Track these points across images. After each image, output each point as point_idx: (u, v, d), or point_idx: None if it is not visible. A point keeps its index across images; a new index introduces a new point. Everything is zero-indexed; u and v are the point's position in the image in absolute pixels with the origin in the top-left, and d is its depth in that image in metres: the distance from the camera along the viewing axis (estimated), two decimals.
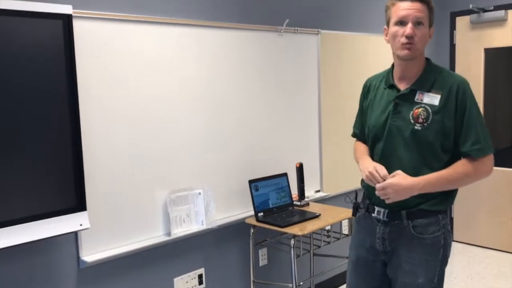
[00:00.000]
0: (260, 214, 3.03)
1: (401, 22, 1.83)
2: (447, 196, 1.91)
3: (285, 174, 3.26)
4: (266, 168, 3.27)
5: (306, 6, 3.48)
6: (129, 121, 2.58)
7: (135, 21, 2.57)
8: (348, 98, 3.75)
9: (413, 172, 1.84)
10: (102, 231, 2.49)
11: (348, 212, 3.06)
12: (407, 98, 1.89)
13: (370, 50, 3.99)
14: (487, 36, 4.46)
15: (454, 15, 4.66)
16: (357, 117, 2.22)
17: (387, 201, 1.83)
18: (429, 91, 1.84)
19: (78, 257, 2.44)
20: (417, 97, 1.86)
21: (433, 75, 1.87)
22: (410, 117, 1.85)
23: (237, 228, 3.12)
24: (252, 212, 3.04)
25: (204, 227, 2.87)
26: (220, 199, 3.01)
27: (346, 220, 3.46)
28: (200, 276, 2.98)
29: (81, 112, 2.31)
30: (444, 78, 1.86)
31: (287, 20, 3.27)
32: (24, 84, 2.06)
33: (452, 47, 4.71)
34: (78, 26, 2.33)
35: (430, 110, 1.82)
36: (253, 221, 3.01)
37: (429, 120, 1.82)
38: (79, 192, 2.24)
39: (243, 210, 3.14)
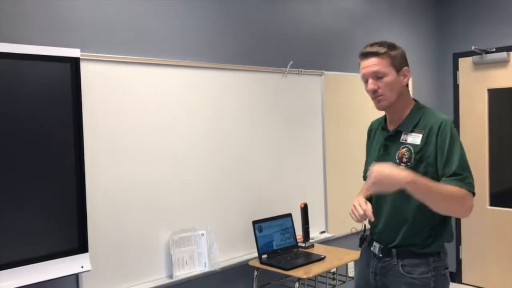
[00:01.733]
0: (264, 256, 2.98)
1: (365, 79, 1.93)
2: (438, 238, 1.90)
3: (289, 215, 3.22)
4: (270, 208, 3.24)
5: (309, 48, 3.53)
6: (133, 162, 2.58)
7: (141, 63, 2.62)
8: (353, 137, 3.75)
9: (403, 211, 1.89)
10: (104, 273, 2.45)
11: (354, 254, 3.01)
12: (394, 139, 1.94)
13: None
14: (490, 77, 4.49)
15: (456, 57, 4.71)
16: (365, 160, 2.22)
17: (368, 190, 1.82)
18: (412, 131, 1.89)
19: None
20: (402, 137, 1.91)
21: (417, 115, 1.91)
22: (396, 157, 1.90)
23: (240, 270, 3.07)
24: (256, 254, 2.99)
25: (207, 269, 2.82)
26: (224, 240, 2.97)
27: (352, 263, 3.40)
28: None
29: (86, 154, 2.32)
30: (426, 118, 1.89)
31: (291, 62, 3.32)
32: (32, 126, 2.09)
33: (456, 87, 4.74)
34: (86, 68, 2.37)
35: (412, 150, 1.86)
36: (256, 263, 2.95)
37: (412, 160, 1.86)
38: (81, 233, 2.22)
39: (247, 252, 3.09)
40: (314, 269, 2.84)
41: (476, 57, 4.52)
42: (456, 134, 1.85)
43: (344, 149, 3.73)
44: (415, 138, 1.86)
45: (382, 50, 1.86)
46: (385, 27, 4.21)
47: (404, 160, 1.87)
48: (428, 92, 4.73)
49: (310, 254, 3.07)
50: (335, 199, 3.67)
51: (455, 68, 4.74)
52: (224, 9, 3.01)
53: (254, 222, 3.01)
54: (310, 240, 3.31)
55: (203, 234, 2.85)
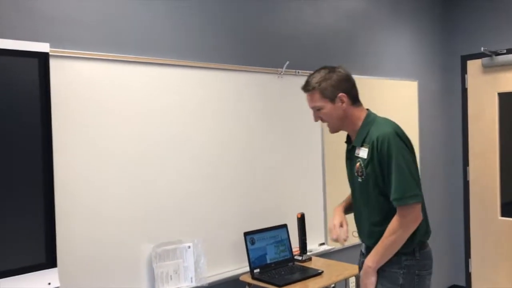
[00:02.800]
0: (256, 270, 2.76)
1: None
2: (410, 238, 1.94)
3: (284, 226, 3.00)
4: (263, 218, 3.02)
5: (308, 48, 3.33)
6: (111, 167, 2.37)
7: (128, 61, 2.42)
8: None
9: (370, 218, 2.03)
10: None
11: (355, 268, 2.78)
12: (352, 153, 2.06)
13: (376, 95, 3.80)
14: (501, 80, 4.26)
15: (465, 59, 4.48)
16: None
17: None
18: (362, 145, 1.99)
19: None
20: (356, 151, 2.01)
21: (365, 130, 1.99)
22: (354, 171, 2.03)
23: (230, 286, 2.84)
24: (248, 268, 2.77)
25: (193, 284, 2.60)
26: (212, 253, 2.75)
27: (353, 278, 3.16)
28: None
29: (56, 158, 2.12)
30: (371, 131, 1.97)
31: (288, 62, 3.12)
32: None
33: (464, 91, 4.51)
34: (57, 66, 2.17)
35: (362, 164, 1.97)
36: (248, 279, 2.73)
37: (364, 173, 1.98)
38: (49, 246, 2.02)
39: (238, 266, 2.87)
40: (311, 286, 2.62)
41: (485, 59, 4.29)
42: (397, 145, 1.89)
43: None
44: (364, 152, 1.96)
45: (309, 86, 1.99)
46: (388, 27, 4.00)
47: (359, 173, 2.00)
48: (435, 96, 4.50)
49: (307, 268, 2.85)
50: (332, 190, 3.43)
51: (463, 71, 4.51)
52: (217, 7, 2.81)
53: (246, 234, 2.79)
54: (308, 253, 3.08)
55: (189, 247, 2.63)
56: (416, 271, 1.98)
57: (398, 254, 1.95)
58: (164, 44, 2.60)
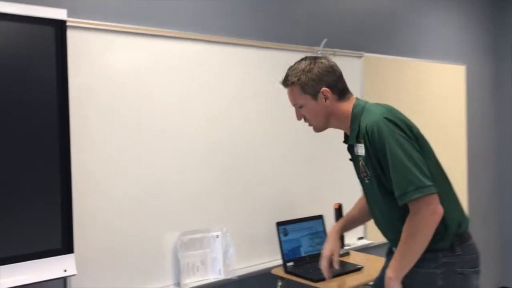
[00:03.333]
0: (290, 264, 2.55)
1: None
2: (442, 231, 1.64)
3: (320, 217, 2.78)
4: (298, 208, 2.80)
5: (348, 26, 3.08)
6: (133, 148, 2.21)
7: (147, 34, 2.25)
8: None
9: (389, 222, 1.74)
10: (96, 279, 2.09)
11: None
12: (352, 153, 1.79)
13: (421, 78, 3.52)
14: None
15: None
16: None
17: None
18: (358, 141, 1.71)
19: None
20: (355, 150, 1.74)
21: (357, 122, 1.71)
22: (360, 172, 1.77)
23: (261, 280, 2.64)
24: (280, 261, 2.56)
25: (221, 277, 2.41)
26: (242, 244, 2.55)
27: None
28: None
29: (73, 135, 1.96)
30: (362, 122, 1.69)
31: (325, 40, 2.88)
32: (6, 105, 1.75)
33: None
34: (73, 37, 2.02)
35: (363, 163, 1.71)
36: (281, 272, 2.52)
37: (368, 172, 1.70)
38: (66, 230, 1.86)
39: (269, 259, 2.66)
40: (349, 282, 2.39)
41: None
42: (387, 133, 1.59)
43: None
44: (361, 149, 1.69)
45: (288, 81, 1.75)
46: (434, 6, 3.70)
47: (364, 174, 1.73)
48: (485, 82, 4.16)
49: (345, 263, 2.61)
50: None
51: None
52: None
53: (279, 224, 2.58)
54: (346, 247, 2.85)
55: (217, 236, 2.45)
56: (459, 269, 1.65)
57: (433, 251, 1.64)
58: (195, 20, 2.41)
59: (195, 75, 2.40)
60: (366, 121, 1.64)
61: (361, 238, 3.15)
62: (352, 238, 3.07)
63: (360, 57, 3.13)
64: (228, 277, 2.42)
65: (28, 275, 1.75)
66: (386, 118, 1.61)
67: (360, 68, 3.13)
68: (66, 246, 1.86)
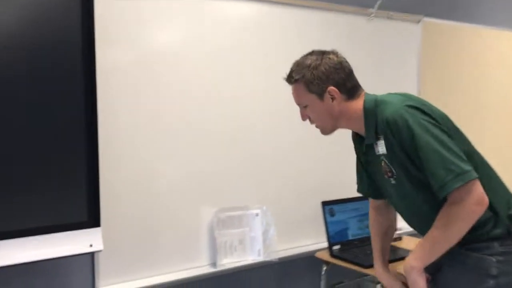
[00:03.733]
0: (336, 247, 2.33)
1: None
2: (493, 217, 1.44)
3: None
4: (346, 188, 2.54)
5: None
6: (168, 115, 2.03)
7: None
8: (457, 106, 2.93)
9: (425, 214, 1.49)
10: (125, 257, 1.94)
11: None
12: (371, 154, 1.56)
13: (489, 47, 3.16)
14: None
15: None
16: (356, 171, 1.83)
17: None
18: (377, 139, 1.50)
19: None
20: (375, 149, 1.53)
21: (373, 118, 1.50)
22: (383, 173, 1.54)
23: (304, 263, 2.44)
24: (326, 244, 2.34)
25: (261, 258, 2.23)
26: (284, 224, 2.35)
27: None
28: None
29: (100, 102, 1.80)
30: (379, 116, 1.48)
31: (379, 1, 2.58)
32: (30, 69, 1.61)
33: None
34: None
35: (387, 161, 1.50)
36: (326, 256, 2.31)
37: (394, 171, 1.49)
38: (92, 202, 1.71)
39: (314, 241, 2.44)
40: (402, 268, 2.13)
41: None
42: (413, 123, 1.39)
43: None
44: (382, 147, 1.50)
45: (292, 77, 1.56)
46: None
47: (389, 174, 1.52)
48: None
49: (396, 248, 2.37)
50: None
51: None
52: None
53: (324, 204, 2.35)
54: (398, 231, 2.58)
55: (257, 215, 2.25)
56: None
57: (488, 240, 1.45)
58: None
59: (236, 37, 2.19)
60: (385, 113, 1.44)
61: None
62: (404, 222, 2.80)
63: (419, 21, 2.81)
64: (268, 259, 2.23)
65: (50, 249, 1.61)
66: (408, 105, 1.42)
67: (418, 36, 2.82)
68: (92, 219, 1.72)
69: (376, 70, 2.65)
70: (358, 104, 1.53)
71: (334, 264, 2.29)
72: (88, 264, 1.89)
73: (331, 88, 1.50)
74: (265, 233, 2.24)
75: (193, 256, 2.11)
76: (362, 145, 1.58)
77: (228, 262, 2.17)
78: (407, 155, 1.42)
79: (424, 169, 1.39)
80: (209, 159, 2.14)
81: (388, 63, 2.70)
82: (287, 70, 1.57)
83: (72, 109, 1.68)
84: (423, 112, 1.41)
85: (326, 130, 1.59)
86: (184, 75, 2.06)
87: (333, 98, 1.51)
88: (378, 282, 2.12)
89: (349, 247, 2.36)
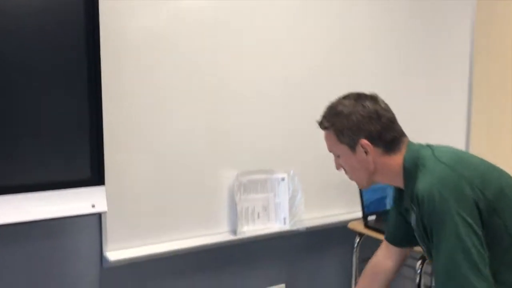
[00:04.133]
0: (372, 217, 2.10)
1: None
2: None
3: None
4: None
5: None
6: (187, 70, 1.80)
7: None
8: None
9: None
10: (138, 219, 1.76)
11: None
12: (409, 217, 1.37)
13: None
14: None
15: None
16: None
17: None
18: (412, 207, 1.31)
19: (101, 253, 1.73)
20: (411, 217, 1.34)
21: (411, 182, 1.28)
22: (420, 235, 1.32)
23: (335, 234, 2.21)
24: (360, 214, 2.10)
25: (286, 227, 2.01)
26: (313, 190, 2.12)
27: None
28: None
29: (107, 52, 1.59)
30: (417, 183, 1.25)
31: None
32: (28, 14, 1.40)
33: None
34: None
35: (416, 234, 1.34)
36: (359, 227, 2.08)
37: (425, 239, 1.26)
38: (95, 157, 1.52)
39: (346, 210, 2.21)
40: None
41: None
42: (438, 212, 1.16)
43: (503, 91, 2.57)
44: (413, 219, 1.33)
45: (325, 123, 1.38)
46: None
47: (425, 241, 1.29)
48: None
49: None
50: (482, 149, 2.58)
51: None
52: None
53: None
54: None
55: (283, 179, 2.03)
56: None
57: None
58: None
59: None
60: (418, 184, 1.23)
61: None
62: None
63: None
64: (294, 228, 2.01)
65: (47, 208, 1.44)
66: (444, 185, 1.18)
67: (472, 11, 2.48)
68: (95, 177, 1.52)
69: (421, 30, 2.36)
70: (397, 160, 1.31)
71: (368, 236, 2.05)
72: (95, 226, 1.72)
73: (364, 141, 1.30)
74: (291, 199, 2.02)
75: (211, 222, 1.91)
76: (402, 200, 1.38)
77: (250, 230, 1.97)
78: (428, 238, 1.23)
79: (434, 264, 1.20)
80: (231, 117, 1.91)
81: (433, 24, 2.39)
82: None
83: (74, 60, 1.48)
84: (460, 199, 1.15)
85: (362, 184, 1.41)
86: (202, 29, 1.82)
87: (365, 152, 1.31)
88: (421, 258, 1.87)
89: (386, 217, 2.11)
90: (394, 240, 1.51)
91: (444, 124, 2.50)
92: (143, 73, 1.73)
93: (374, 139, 1.30)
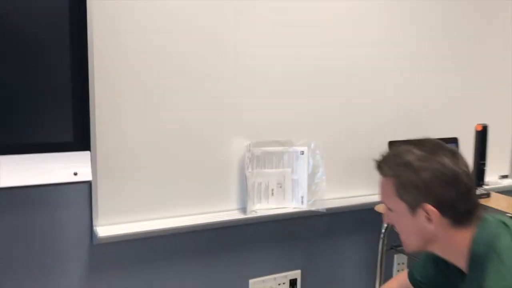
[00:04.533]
0: None
1: None
2: None
3: (454, 140, 1.98)
4: (422, 126, 2.01)
5: None
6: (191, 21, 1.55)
7: None
8: None
9: None
10: (133, 192, 1.55)
11: None
12: None
13: None
14: None
15: None
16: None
17: None
18: None
19: (90, 228, 1.53)
20: None
21: (478, 271, 1.00)
22: None
23: (360, 218, 1.97)
24: None
25: (304, 207, 1.77)
26: (336, 166, 1.87)
27: None
28: (293, 283, 1.91)
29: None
30: (487, 277, 0.97)
31: None
32: None
33: None
34: None
35: None
36: None
37: None
38: (80, 117, 1.30)
39: (374, 190, 1.93)
40: None
41: None
42: None
43: None
44: None
45: (386, 169, 1.09)
46: None
47: None
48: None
49: (484, 208, 1.82)
50: None
51: None
52: None
53: (391, 144, 1.83)
54: (485, 186, 2.04)
55: (302, 153, 1.77)
56: None
57: None
58: None
59: None
60: (492, 281, 0.97)
61: (504, 176, 2.30)
62: (493, 175, 2.23)
63: None
64: (313, 208, 1.77)
65: (18, 173, 1.23)
66: None
67: None
68: (79, 140, 1.31)
69: None
70: (464, 237, 1.05)
71: None
72: (84, 198, 1.51)
73: (430, 207, 1.03)
74: (311, 176, 1.77)
75: (218, 198, 1.68)
76: (456, 271, 1.11)
77: (262, 208, 1.73)
78: None
79: None
80: (242, 76, 1.66)
81: None
82: None
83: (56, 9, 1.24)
84: None
85: (410, 248, 1.14)
86: None
87: (429, 219, 1.05)
88: None
89: None
90: (421, 284, 1.30)
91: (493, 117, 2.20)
92: (144, 22, 1.49)
93: (444, 208, 1.03)
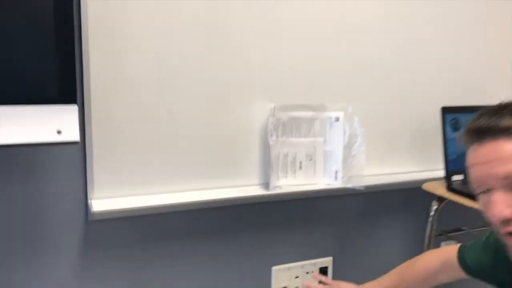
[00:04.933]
0: (457, 177, 1.53)
1: (483, 189, 0.80)
2: None
3: None
4: (479, 92, 1.71)
5: None
6: None
7: None
8: None
9: None
10: (135, 160, 1.31)
11: None
12: None
13: None
14: None
15: None
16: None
17: None
18: None
19: (85, 202, 1.30)
20: None
21: None
22: None
23: (404, 198, 1.69)
24: (440, 172, 1.55)
25: (338, 184, 1.50)
26: (378, 137, 1.59)
27: None
28: (323, 271, 1.65)
29: None
30: None
31: None
32: None
33: None
34: None
35: None
36: (440, 189, 1.53)
37: None
38: (64, 66, 1.06)
39: (421, 167, 1.66)
40: None
41: None
42: None
43: None
44: None
45: (497, 127, 0.75)
46: None
47: None
48: None
49: None
50: None
51: None
52: None
53: (446, 111, 1.53)
54: None
55: (337, 119, 1.49)
56: None
57: None
58: None
59: None
60: None
61: None
62: None
63: None
64: (349, 185, 1.49)
65: None
66: None
67: None
68: (65, 92, 1.07)
69: None
70: None
71: (450, 202, 1.50)
72: (77, 165, 1.28)
73: None
74: (347, 147, 1.49)
75: (235, 170, 1.42)
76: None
77: (288, 184, 1.47)
78: None
79: None
80: (267, 26, 1.38)
81: None
82: None
83: None
84: None
85: None
86: None
87: None
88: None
89: None
90: (469, 270, 1.10)
91: None
92: None
93: None
